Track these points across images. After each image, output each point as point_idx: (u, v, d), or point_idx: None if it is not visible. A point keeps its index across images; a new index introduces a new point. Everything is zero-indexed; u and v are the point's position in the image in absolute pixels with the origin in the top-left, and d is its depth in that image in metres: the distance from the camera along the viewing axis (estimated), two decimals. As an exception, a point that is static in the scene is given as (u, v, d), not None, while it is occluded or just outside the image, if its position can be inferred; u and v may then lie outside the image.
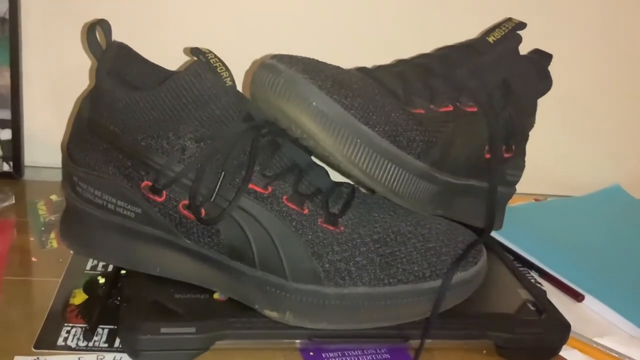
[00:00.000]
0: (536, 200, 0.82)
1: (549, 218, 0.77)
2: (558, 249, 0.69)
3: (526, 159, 0.81)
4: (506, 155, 0.60)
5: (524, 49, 0.62)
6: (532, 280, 0.64)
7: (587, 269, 0.66)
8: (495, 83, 0.58)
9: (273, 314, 0.50)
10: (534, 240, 0.70)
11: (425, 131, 0.52)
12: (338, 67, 0.52)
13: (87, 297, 0.55)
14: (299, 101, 0.47)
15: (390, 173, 0.50)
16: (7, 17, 0.66)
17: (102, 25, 0.53)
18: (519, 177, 0.65)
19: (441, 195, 0.55)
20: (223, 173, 0.49)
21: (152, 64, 0.56)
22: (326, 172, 0.54)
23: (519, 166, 0.64)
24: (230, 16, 0.73)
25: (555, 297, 0.62)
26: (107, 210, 0.52)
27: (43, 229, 0.64)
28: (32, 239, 0.62)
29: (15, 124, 0.70)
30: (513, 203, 0.79)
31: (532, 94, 0.62)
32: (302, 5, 0.74)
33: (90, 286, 0.56)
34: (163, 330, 0.48)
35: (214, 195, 0.49)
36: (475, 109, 0.56)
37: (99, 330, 0.51)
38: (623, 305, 0.60)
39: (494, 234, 0.69)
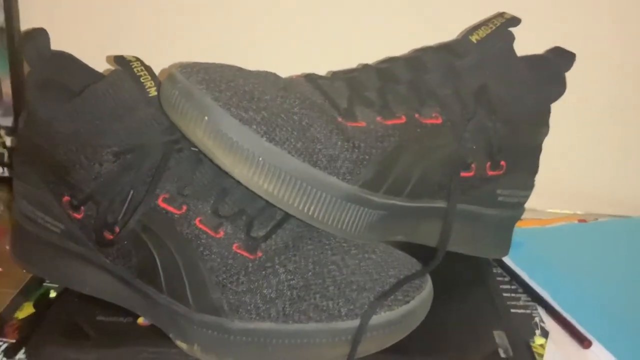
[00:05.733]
0: (581, 221, 0.70)
1: (589, 243, 0.66)
2: (583, 282, 0.58)
3: (572, 172, 0.72)
4: (491, 173, 0.52)
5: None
6: (536, 319, 0.55)
7: (609, 310, 0.55)
8: (474, 89, 0.50)
9: (183, 346, 0.46)
10: (557, 270, 0.60)
11: (353, 148, 0.45)
12: (261, 75, 0.47)
13: (33, 311, 0.54)
14: (192, 115, 0.43)
15: (306, 196, 0.44)
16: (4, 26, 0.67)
17: (39, 34, 0.51)
18: (522, 197, 0.56)
19: (389, 220, 0.48)
20: (132, 191, 0.46)
21: (96, 72, 0.54)
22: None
23: (519, 185, 0.55)
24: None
25: (559, 341, 0.53)
26: (37, 225, 0.51)
27: (23, 238, 0.64)
28: (7, 247, 0.62)
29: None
30: (549, 224, 0.70)
31: (534, 101, 0.53)
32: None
33: (40, 300, 0.55)
34: (65, 355, 0.46)
35: (121, 214, 0.46)
36: (439, 121, 0.49)
37: (29, 348, 0.50)
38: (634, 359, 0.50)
39: (506, 259, 0.61)
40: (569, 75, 0.55)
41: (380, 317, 0.43)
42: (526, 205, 0.59)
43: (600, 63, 0.66)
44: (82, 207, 0.48)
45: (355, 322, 0.43)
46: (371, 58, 0.55)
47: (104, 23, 0.70)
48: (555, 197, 0.71)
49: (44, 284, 0.56)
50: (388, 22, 0.67)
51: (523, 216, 0.60)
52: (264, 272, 0.44)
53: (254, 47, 0.68)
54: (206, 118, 0.42)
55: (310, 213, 0.44)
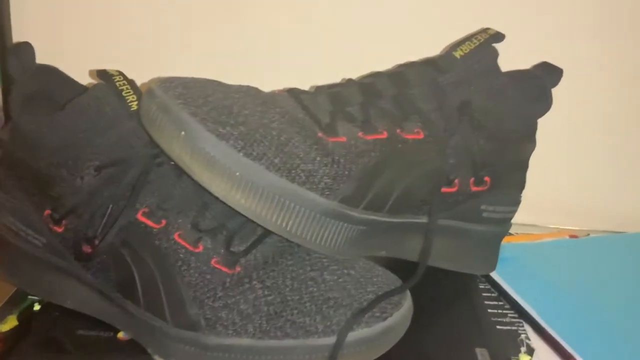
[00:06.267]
0: (572, 236, 0.70)
1: (580, 259, 0.65)
2: (571, 300, 0.58)
3: (564, 187, 0.71)
4: (475, 188, 0.51)
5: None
6: (522, 336, 0.54)
7: (596, 329, 0.54)
8: (458, 105, 0.50)
9: (161, 361, 0.46)
10: (546, 286, 0.59)
11: (332, 163, 0.45)
12: (242, 90, 0.46)
13: (17, 324, 0.54)
14: (169, 130, 0.43)
15: (284, 211, 0.44)
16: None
17: (24, 48, 0.51)
18: (507, 213, 0.56)
19: (370, 236, 0.48)
20: (111, 205, 0.46)
21: (82, 85, 0.54)
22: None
23: (504, 201, 0.54)
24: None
25: (545, 358, 0.52)
26: (20, 237, 0.51)
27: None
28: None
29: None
30: (540, 239, 0.69)
31: (519, 117, 0.53)
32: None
33: (24, 313, 0.55)
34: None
35: (99, 229, 0.46)
36: (421, 136, 0.48)
37: (9, 362, 0.50)
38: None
39: (494, 275, 0.60)
40: (558, 89, 0.55)
41: (357, 333, 0.43)
42: (517, 221, 0.58)
43: (589, 76, 0.66)
44: (63, 221, 0.48)
45: (332, 339, 0.43)
46: (357, 72, 0.55)
47: (91, 37, 0.70)
48: (547, 212, 0.70)
49: (29, 296, 0.56)
50: (374, 37, 0.67)
51: (514, 231, 0.60)
52: (241, 288, 0.44)
53: (244, 61, 0.68)
54: (183, 133, 0.42)
55: (288, 228, 0.44)
